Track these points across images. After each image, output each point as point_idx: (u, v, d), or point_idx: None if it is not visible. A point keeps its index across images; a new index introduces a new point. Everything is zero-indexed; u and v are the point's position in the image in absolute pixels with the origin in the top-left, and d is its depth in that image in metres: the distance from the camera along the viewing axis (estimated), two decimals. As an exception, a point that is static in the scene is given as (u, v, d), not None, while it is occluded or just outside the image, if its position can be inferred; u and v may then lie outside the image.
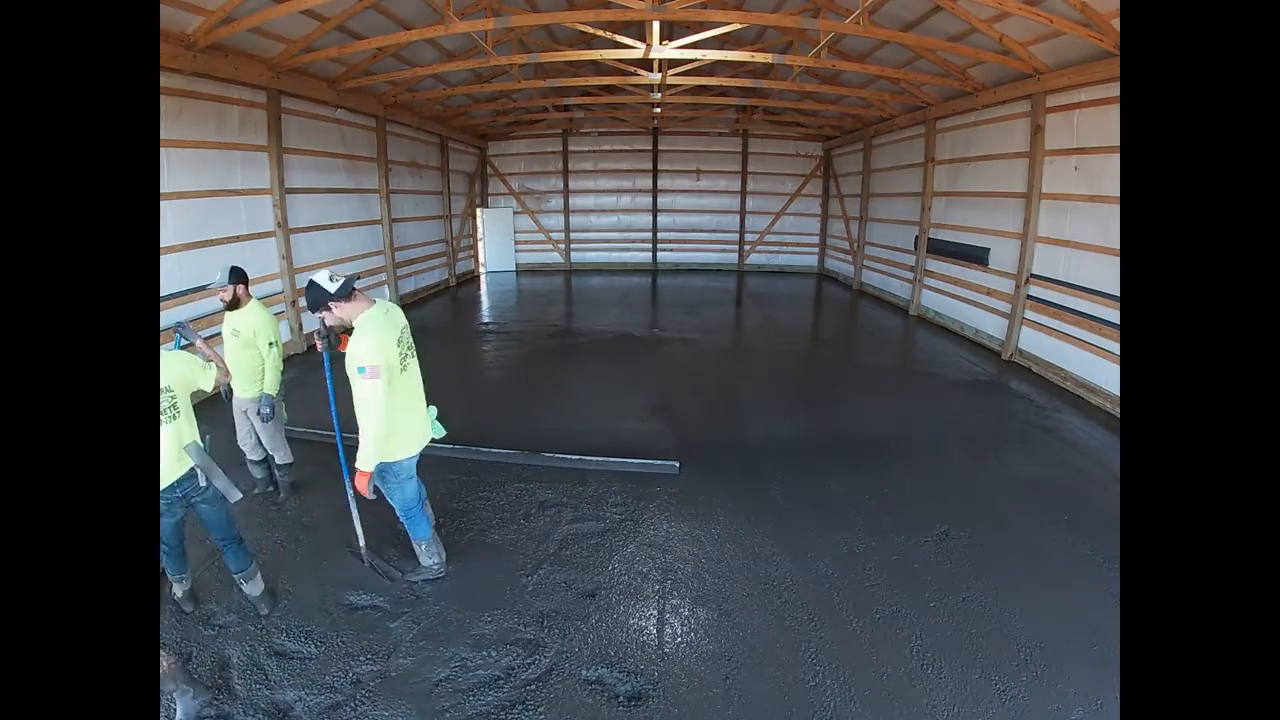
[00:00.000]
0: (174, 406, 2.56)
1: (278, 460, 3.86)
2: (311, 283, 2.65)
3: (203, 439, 2.70)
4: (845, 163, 13.86)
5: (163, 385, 2.50)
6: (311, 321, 7.93)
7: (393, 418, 2.72)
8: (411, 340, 2.94)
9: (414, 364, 2.93)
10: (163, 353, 2.54)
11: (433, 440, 3.07)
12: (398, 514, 3.07)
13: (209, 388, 2.75)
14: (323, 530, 3.62)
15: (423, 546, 3.14)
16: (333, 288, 2.61)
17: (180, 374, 2.60)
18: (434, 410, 3.07)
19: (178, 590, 2.92)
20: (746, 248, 15.62)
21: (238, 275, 3.54)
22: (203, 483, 2.66)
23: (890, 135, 11.23)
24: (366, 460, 2.67)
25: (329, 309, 2.66)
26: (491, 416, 5.48)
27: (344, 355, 2.70)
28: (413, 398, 2.90)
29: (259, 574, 2.96)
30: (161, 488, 2.55)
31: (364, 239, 9.60)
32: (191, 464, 2.61)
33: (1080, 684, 2.53)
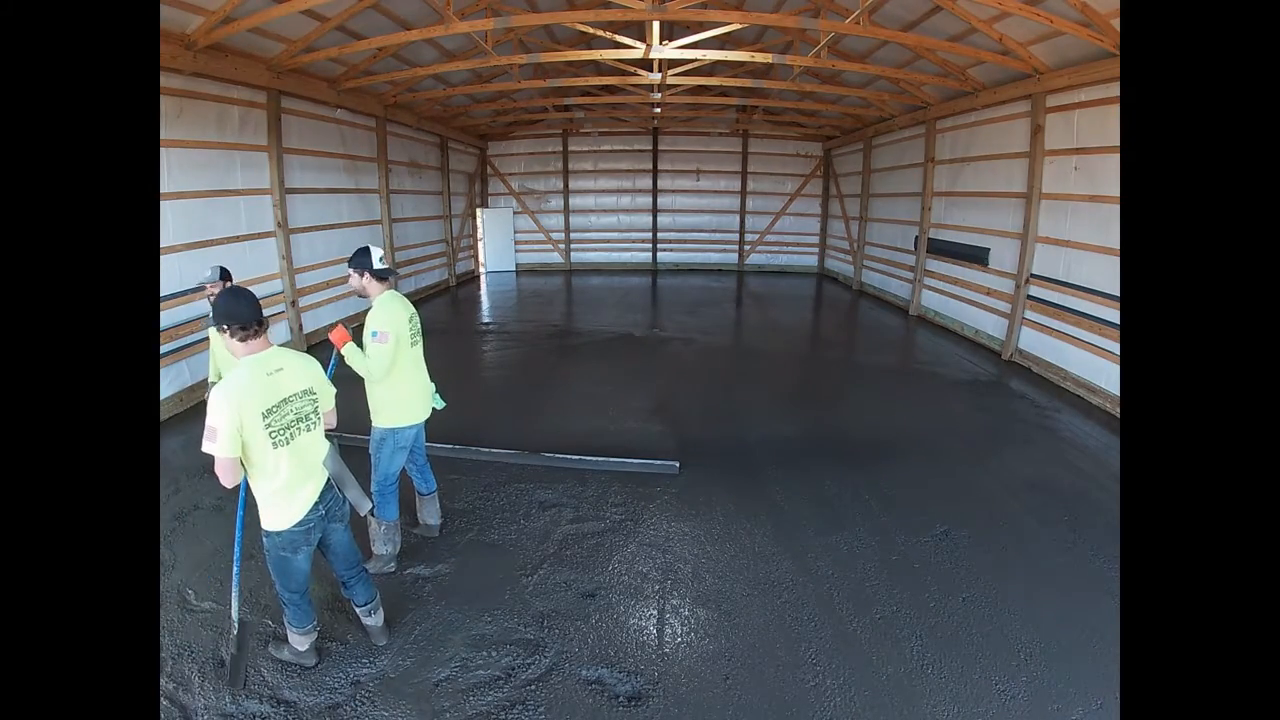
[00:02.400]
0: (315, 411, 2.32)
1: None
2: (366, 248, 2.99)
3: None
4: (845, 163, 13.86)
5: (304, 386, 2.26)
6: (315, 320, 7.95)
7: (400, 385, 3.08)
8: (420, 328, 3.21)
9: (420, 346, 3.22)
10: (301, 354, 2.37)
11: (434, 410, 3.35)
12: (372, 488, 3.11)
13: (330, 408, 2.47)
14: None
15: (383, 528, 3.21)
16: (377, 264, 2.96)
17: (320, 380, 2.38)
18: (432, 386, 3.34)
19: (304, 644, 2.55)
20: (746, 248, 15.62)
21: (226, 273, 3.78)
22: (339, 496, 2.43)
23: (890, 135, 11.23)
24: (353, 353, 2.93)
25: (362, 274, 2.97)
26: (492, 416, 5.48)
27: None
28: (418, 371, 3.22)
29: (381, 604, 2.74)
30: (306, 511, 2.26)
31: (364, 239, 9.58)
32: (328, 475, 2.38)
33: (1080, 684, 2.53)
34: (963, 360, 7.66)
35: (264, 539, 2.32)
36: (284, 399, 2.18)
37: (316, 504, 2.31)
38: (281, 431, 2.17)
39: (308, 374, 2.31)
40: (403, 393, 3.11)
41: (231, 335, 2.14)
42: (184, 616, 2.88)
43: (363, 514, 2.56)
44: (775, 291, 13.06)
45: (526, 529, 3.68)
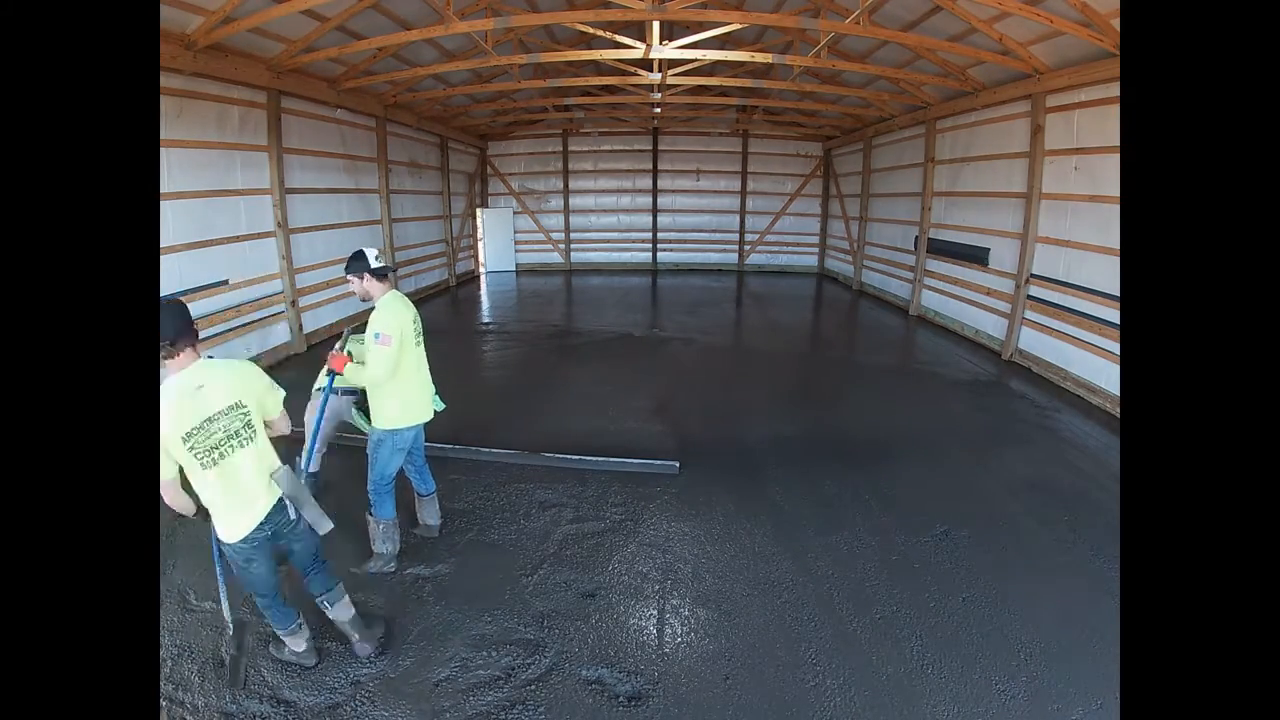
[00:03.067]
0: (249, 426, 2.17)
1: None
2: (360, 251, 2.97)
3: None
4: (845, 163, 13.86)
5: (234, 400, 2.13)
6: (315, 320, 7.95)
7: (403, 386, 3.06)
8: (422, 329, 3.20)
9: (422, 347, 3.22)
10: (233, 363, 2.24)
11: (436, 412, 3.34)
12: (369, 487, 3.14)
13: (276, 415, 2.33)
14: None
15: (381, 528, 3.20)
16: (374, 263, 2.95)
17: (255, 390, 2.22)
18: (432, 387, 3.35)
19: (299, 644, 2.55)
20: (746, 248, 15.62)
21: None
22: (292, 515, 2.32)
23: (890, 135, 11.23)
24: (353, 370, 2.94)
25: (361, 277, 2.96)
26: (492, 416, 5.48)
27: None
28: (420, 372, 3.20)
29: (346, 596, 2.61)
30: (250, 530, 2.18)
31: (364, 239, 9.58)
32: (279, 494, 2.27)
33: (1080, 684, 2.53)
34: (963, 360, 7.66)
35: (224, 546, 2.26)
36: (207, 418, 2.05)
37: (263, 524, 2.21)
38: (207, 453, 2.05)
39: (236, 387, 2.15)
40: (406, 394, 3.10)
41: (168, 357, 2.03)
42: (184, 616, 2.89)
43: (321, 533, 2.40)
44: (775, 291, 13.06)
45: (526, 529, 3.68)
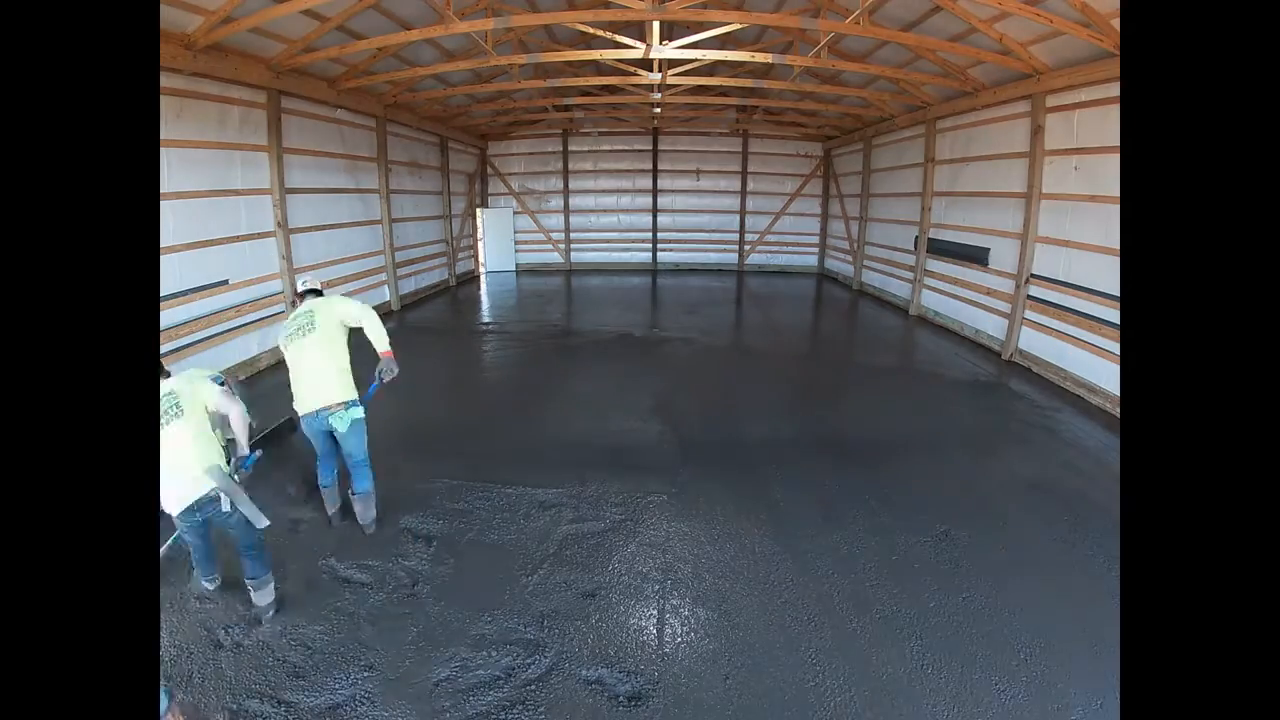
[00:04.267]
0: (176, 406, 2.58)
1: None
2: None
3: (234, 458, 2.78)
4: (845, 163, 13.86)
5: (168, 390, 2.59)
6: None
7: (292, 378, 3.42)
8: (309, 324, 3.37)
9: (304, 342, 3.36)
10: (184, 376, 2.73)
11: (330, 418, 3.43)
12: (364, 461, 3.49)
13: (211, 402, 2.76)
14: (318, 529, 3.63)
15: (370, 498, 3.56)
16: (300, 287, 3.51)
17: (191, 387, 2.70)
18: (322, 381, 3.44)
19: (209, 585, 3.03)
20: (746, 248, 15.61)
21: None
22: (226, 508, 2.65)
23: (890, 135, 11.23)
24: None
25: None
26: (492, 416, 5.48)
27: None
28: (299, 366, 3.40)
29: (272, 584, 2.94)
30: (180, 510, 2.56)
31: (364, 239, 9.59)
32: (212, 486, 2.60)
33: (1080, 684, 2.53)
34: (963, 360, 7.66)
35: None
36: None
37: (192, 508, 2.58)
38: None
39: (175, 383, 2.67)
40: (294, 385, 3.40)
41: None
42: (184, 617, 2.89)
43: (259, 527, 2.74)
44: (775, 291, 13.06)
45: (526, 529, 3.68)
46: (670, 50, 6.83)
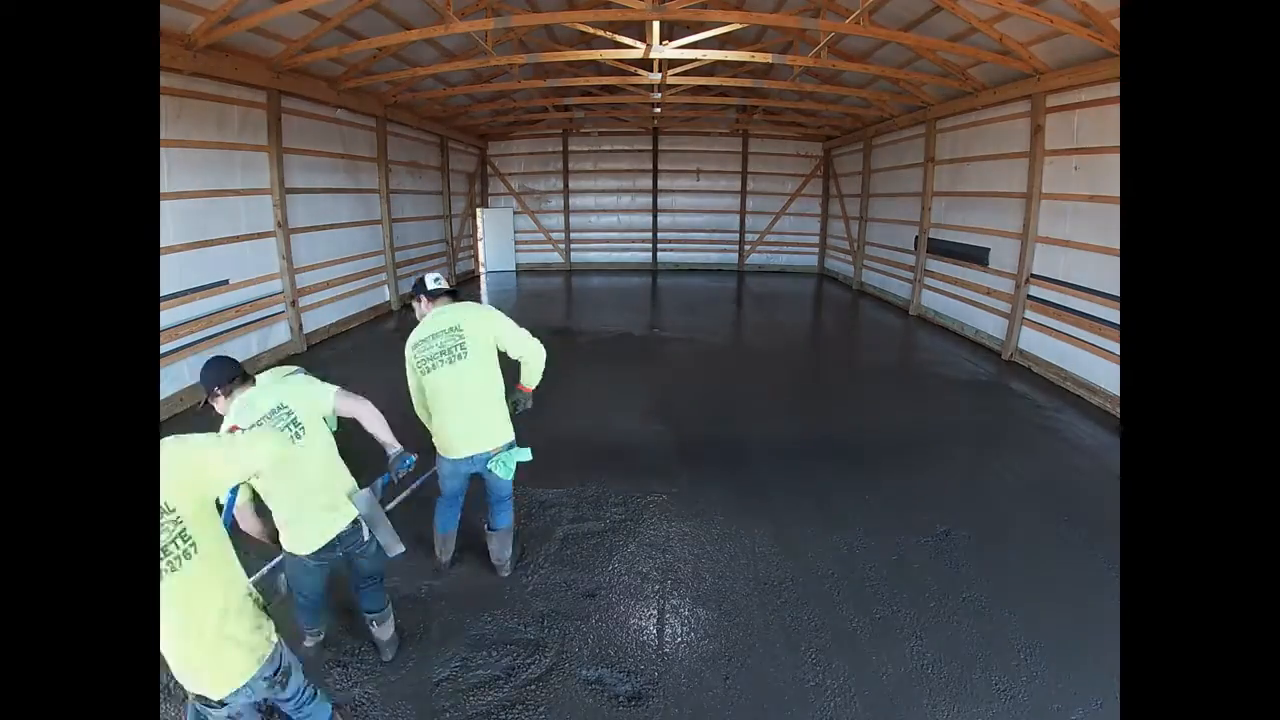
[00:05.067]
0: (295, 424, 2.15)
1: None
2: (421, 279, 2.98)
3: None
4: (845, 163, 13.86)
5: (278, 403, 2.14)
6: (314, 321, 7.94)
7: (435, 418, 2.88)
8: (453, 345, 2.80)
9: (447, 368, 2.77)
10: (287, 379, 2.26)
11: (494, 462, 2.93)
12: (509, 496, 3.19)
13: (330, 405, 2.27)
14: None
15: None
16: (431, 285, 2.94)
17: (301, 393, 2.22)
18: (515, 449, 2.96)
19: (308, 642, 2.62)
20: (746, 248, 15.61)
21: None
22: (365, 536, 2.33)
23: (890, 135, 11.23)
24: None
25: (419, 301, 2.95)
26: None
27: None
28: (443, 398, 2.82)
29: (393, 617, 2.64)
30: (318, 548, 2.22)
31: (364, 239, 9.60)
32: (355, 514, 2.27)
33: (1080, 684, 2.53)
34: (963, 360, 7.66)
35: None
36: (255, 422, 2.10)
37: (333, 543, 2.25)
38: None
39: (280, 392, 2.20)
40: (438, 428, 2.87)
41: (225, 396, 2.17)
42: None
43: (391, 556, 2.38)
44: (775, 291, 13.06)
45: (527, 529, 3.68)
46: (670, 50, 6.83)
